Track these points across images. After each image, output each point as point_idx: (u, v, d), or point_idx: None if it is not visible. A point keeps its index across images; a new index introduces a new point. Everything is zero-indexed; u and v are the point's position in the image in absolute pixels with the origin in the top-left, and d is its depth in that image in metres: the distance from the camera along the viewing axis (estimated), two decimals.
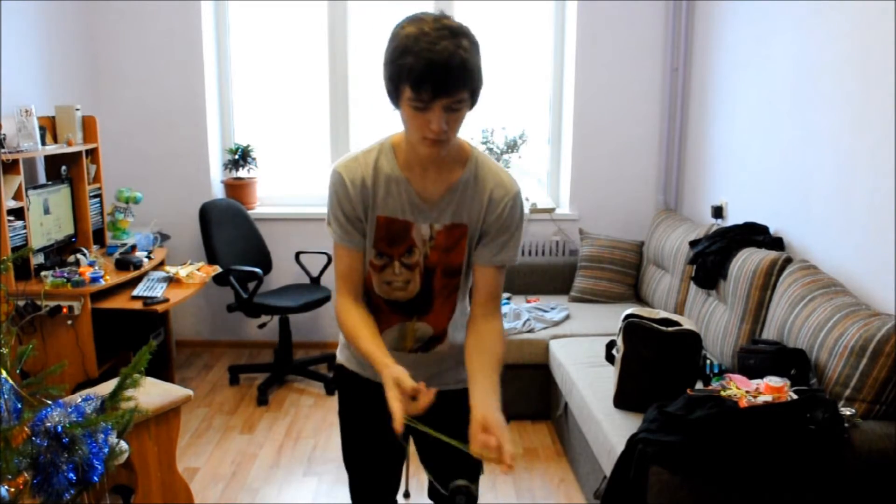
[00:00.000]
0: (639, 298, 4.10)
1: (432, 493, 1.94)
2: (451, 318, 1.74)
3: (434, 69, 1.37)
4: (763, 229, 3.23)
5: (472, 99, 1.47)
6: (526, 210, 4.45)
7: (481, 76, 1.46)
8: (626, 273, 4.11)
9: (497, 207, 1.61)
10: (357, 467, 1.92)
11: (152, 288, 3.59)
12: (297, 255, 4.31)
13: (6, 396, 1.32)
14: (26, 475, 1.25)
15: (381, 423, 1.81)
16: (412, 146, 1.54)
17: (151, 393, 2.59)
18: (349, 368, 1.86)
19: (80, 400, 1.36)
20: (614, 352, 2.78)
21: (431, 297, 1.69)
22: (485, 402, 1.47)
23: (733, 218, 3.63)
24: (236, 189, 4.51)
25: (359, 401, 1.86)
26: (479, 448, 1.43)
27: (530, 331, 3.60)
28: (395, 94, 1.47)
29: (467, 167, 1.60)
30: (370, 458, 1.89)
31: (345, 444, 1.95)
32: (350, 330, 1.62)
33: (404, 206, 1.59)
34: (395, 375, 1.44)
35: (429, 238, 1.62)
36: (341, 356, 1.90)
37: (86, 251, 3.69)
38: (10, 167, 3.24)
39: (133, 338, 3.73)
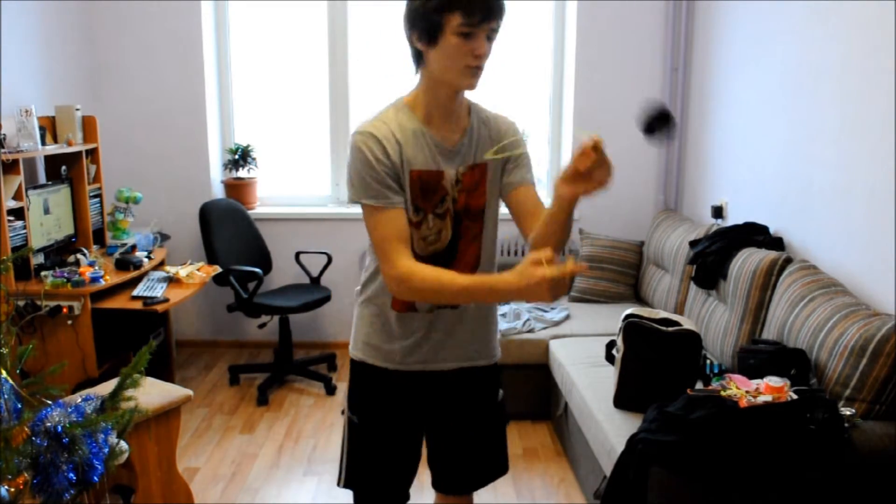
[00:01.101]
0: (639, 298, 4.10)
1: (436, 483, 1.95)
2: (478, 266, 1.76)
3: None
4: (763, 229, 3.23)
5: (500, 29, 1.57)
6: None
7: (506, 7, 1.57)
8: (626, 273, 4.11)
9: (509, 134, 1.73)
10: (374, 473, 1.88)
11: (152, 288, 3.59)
12: (297, 255, 4.31)
13: (6, 396, 1.32)
14: (26, 475, 1.25)
15: (406, 421, 1.84)
16: (443, 88, 1.60)
17: (151, 393, 2.60)
18: (370, 363, 1.81)
19: (80, 400, 1.36)
20: (614, 352, 2.78)
21: (458, 243, 1.73)
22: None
23: (733, 218, 3.63)
24: (236, 189, 4.51)
25: (381, 394, 1.83)
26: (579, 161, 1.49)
27: (530, 331, 3.60)
28: (436, 28, 1.52)
29: (472, 113, 1.72)
30: (390, 463, 1.87)
31: (359, 447, 1.87)
32: (435, 284, 1.55)
33: (433, 156, 1.65)
34: (531, 257, 1.41)
35: (455, 182, 1.68)
36: (360, 352, 1.83)
37: (86, 251, 3.69)
38: (10, 167, 3.24)
39: (133, 338, 3.73)
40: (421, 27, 1.54)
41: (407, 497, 1.94)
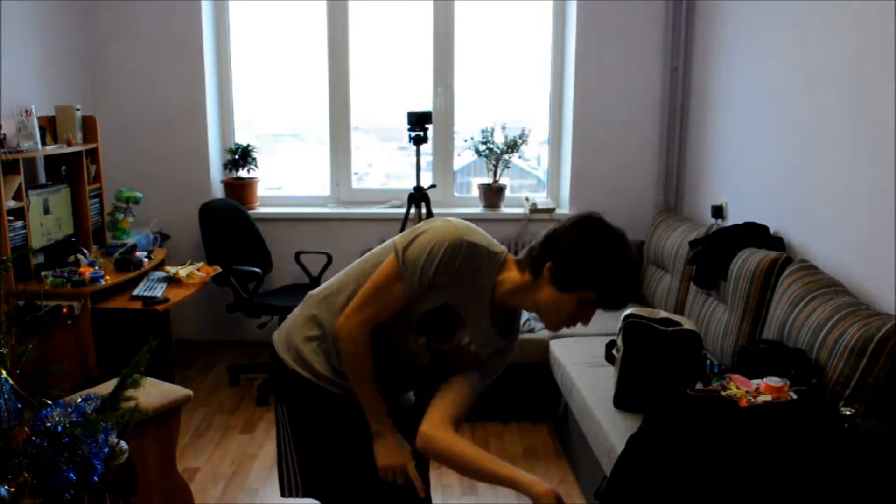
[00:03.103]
0: (639, 298, 4.10)
1: None
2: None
3: (628, 297, 1.57)
4: (763, 229, 3.23)
5: None
6: (526, 210, 4.45)
7: None
8: None
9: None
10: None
11: (152, 288, 3.59)
12: (297, 255, 4.31)
13: (6, 396, 1.32)
14: (26, 475, 1.25)
15: (357, 441, 1.78)
16: (529, 304, 1.66)
17: (151, 393, 2.59)
18: (314, 381, 1.78)
19: (80, 400, 1.36)
20: (614, 352, 2.78)
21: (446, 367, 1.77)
22: (533, 480, 1.55)
23: (733, 218, 3.63)
24: (236, 189, 4.51)
25: (329, 415, 1.80)
26: None
27: (530, 331, 3.60)
28: (574, 283, 1.56)
29: (515, 324, 1.80)
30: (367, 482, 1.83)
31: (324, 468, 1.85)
32: (363, 367, 1.68)
33: (478, 331, 1.71)
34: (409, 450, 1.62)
35: (463, 345, 1.72)
36: (303, 367, 1.77)
37: (86, 251, 3.68)
38: (10, 167, 3.24)
39: (133, 338, 3.73)
40: (568, 266, 1.56)
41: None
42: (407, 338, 1.72)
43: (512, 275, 1.65)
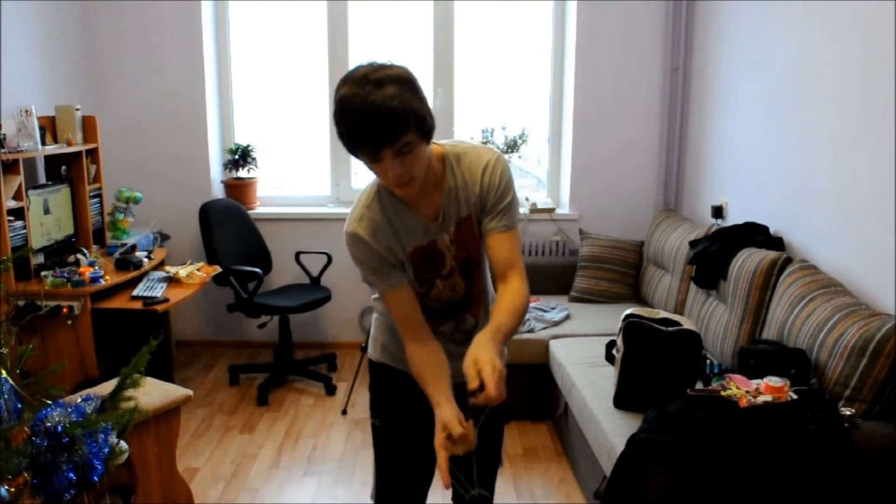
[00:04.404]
0: (639, 298, 4.10)
1: (456, 498, 1.96)
2: (482, 303, 1.83)
3: (367, 126, 1.42)
4: (763, 229, 3.23)
5: (422, 134, 1.50)
6: (526, 210, 4.45)
7: (419, 114, 1.47)
8: (626, 273, 4.11)
9: (483, 179, 1.66)
10: (399, 478, 1.93)
11: (152, 288, 3.59)
12: (297, 255, 4.31)
13: (6, 396, 1.32)
14: (26, 475, 1.25)
15: (421, 419, 1.84)
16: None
17: (151, 393, 2.59)
18: (389, 364, 1.89)
19: (80, 400, 1.36)
20: (614, 352, 2.78)
21: (472, 289, 1.79)
22: (479, 341, 1.50)
23: (733, 218, 3.63)
24: (236, 189, 4.51)
25: (399, 396, 1.88)
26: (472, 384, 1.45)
27: (530, 331, 3.60)
28: (353, 154, 1.53)
29: (447, 171, 1.66)
30: (407, 454, 1.90)
31: (385, 454, 1.94)
32: (417, 374, 1.68)
33: (423, 230, 1.69)
34: (444, 420, 1.50)
35: (450, 243, 1.71)
36: (379, 354, 1.92)
37: (86, 251, 3.69)
38: (10, 167, 3.24)
39: (133, 338, 3.73)
40: (350, 153, 1.56)
41: (424, 499, 1.98)
42: (430, 296, 1.75)
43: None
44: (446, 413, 1.51)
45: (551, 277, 4.29)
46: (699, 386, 2.61)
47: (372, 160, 1.49)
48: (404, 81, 1.47)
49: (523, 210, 4.46)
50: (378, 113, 1.41)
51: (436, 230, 1.69)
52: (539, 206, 4.51)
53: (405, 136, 1.45)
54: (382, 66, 1.47)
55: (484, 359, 1.43)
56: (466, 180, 1.66)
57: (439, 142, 1.68)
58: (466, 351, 1.77)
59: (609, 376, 2.84)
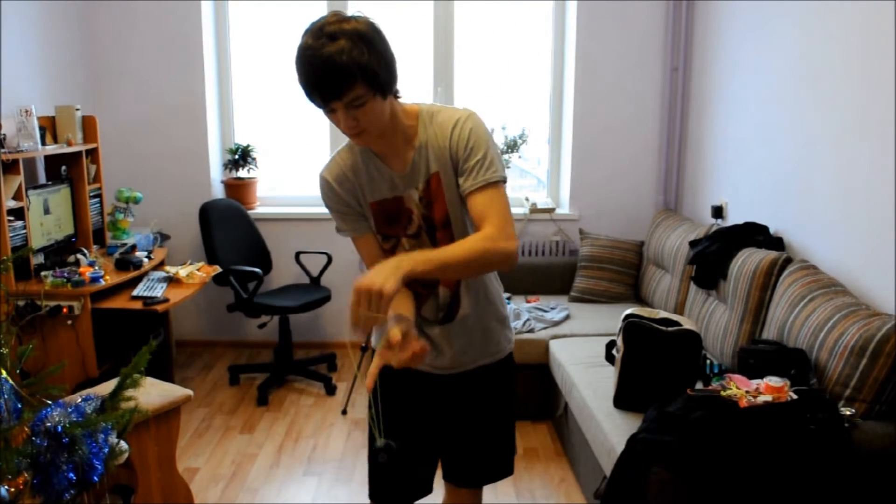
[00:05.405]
0: (639, 298, 4.10)
1: (447, 474, 1.96)
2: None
3: (315, 78, 1.48)
4: (763, 229, 3.23)
5: (375, 88, 1.51)
6: (526, 210, 4.45)
7: (371, 69, 1.48)
8: (626, 273, 4.11)
9: (455, 137, 1.65)
10: (394, 474, 1.92)
11: (152, 288, 3.59)
12: (297, 255, 4.31)
13: (6, 396, 1.32)
14: (26, 475, 1.25)
15: (427, 419, 1.89)
16: None
17: (151, 393, 2.59)
18: None
19: (80, 400, 1.36)
20: (614, 352, 2.78)
21: None
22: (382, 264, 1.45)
23: (733, 218, 3.63)
24: (236, 189, 4.51)
25: (396, 388, 1.87)
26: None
27: (530, 331, 3.60)
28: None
29: (420, 128, 1.67)
30: (411, 462, 1.91)
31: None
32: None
33: (390, 184, 1.70)
34: (390, 326, 1.44)
35: (419, 200, 1.70)
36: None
37: (86, 251, 3.69)
38: (10, 167, 3.24)
39: (133, 338, 3.73)
40: None
41: (430, 489, 1.98)
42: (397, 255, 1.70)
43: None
44: (393, 323, 1.46)
45: (551, 277, 4.29)
46: (699, 386, 2.61)
47: (325, 110, 1.53)
48: (360, 36, 1.49)
49: (523, 210, 4.46)
50: (325, 67, 1.46)
51: (403, 185, 1.69)
52: (539, 206, 4.51)
53: (352, 91, 1.47)
54: (341, 20, 1.50)
55: (365, 279, 1.36)
56: (437, 135, 1.66)
57: (420, 103, 1.71)
58: (451, 334, 1.78)
59: (609, 376, 2.84)
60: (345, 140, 1.72)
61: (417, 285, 1.75)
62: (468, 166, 1.63)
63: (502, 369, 1.95)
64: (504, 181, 1.64)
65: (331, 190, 1.72)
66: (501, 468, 2.01)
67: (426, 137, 1.67)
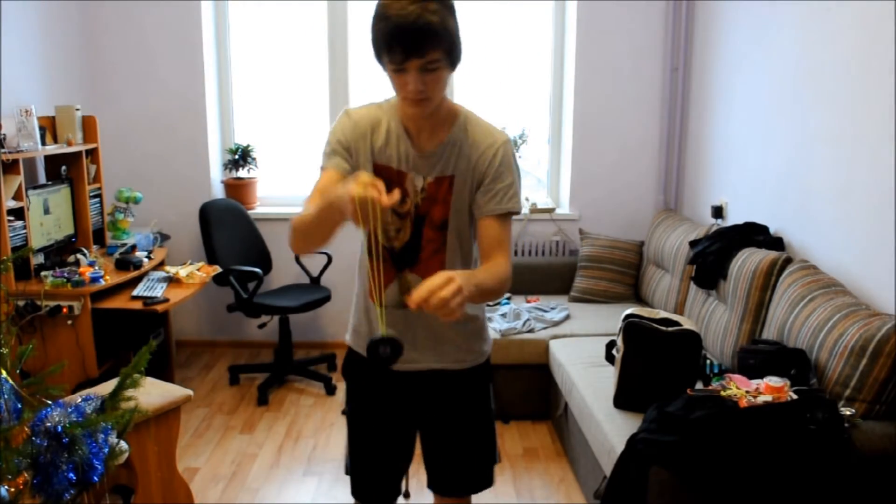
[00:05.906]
0: (639, 298, 4.10)
1: (432, 483, 1.95)
2: (433, 271, 1.74)
3: (402, 32, 1.45)
4: (763, 229, 3.23)
5: (450, 59, 1.54)
6: (526, 210, 4.45)
7: (453, 37, 1.52)
8: (626, 273, 4.11)
9: (487, 157, 1.68)
10: (363, 462, 1.92)
11: (152, 288, 3.59)
12: (297, 254, 4.31)
13: (6, 396, 1.32)
14: (26, 475, 1.25)
15: (392, 414, 1.87)
16: (402, 105, 1.63)
17: (151, 393, 2.59)
18: (356, 350, 1.88)
19: (80, 400, 1.36)
20: (614, 352, 2.78)
21: (419, 248, 1.73)
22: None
23: (733, 218, 3.63)
24: (236, 189, 4.51)
25: (368, 388, 1.87)
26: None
27: (530, 331, 3.60)
28: (379, 59, 1.56)
29: (456, 125, 1.69)
30: (377, 453, 1.90)
31: (351, 436, 1.93)
32: (304, 214, 1.59)
33: (401, 157, 1.69)
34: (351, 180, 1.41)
35: (420, 189, 1.70)
36: (350, 336, 1.91)
37: (86, 251, 3.69)
38: (10, 167, 3.24)
39: (133, 338, 3.73)
40: (376, 58, 1.59)
41: (398, 490, 1.95)
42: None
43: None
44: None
45: (551, 277, 4.29)
46: (699, 386, 2.61)
47: (396, 68, 1.51)
48: (448, 5, 1.52)
49: (524, 210, 4.46)
50: (416, 22, 1.45)
51: (413, 166, 1.68)
52: (539, 206, 4.51)
53: (435, 53, 1.48)
54: None
55: (444, 274, 1.39)
56: (470, 143, 1.68)
57: (459, 104, 1.72)
58: (417, 318, 1.72)
59: (609, 376, 2.84)
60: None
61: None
62: (495, 188, 1.66)
63: (467, 379, 1.86)
64: (518, 214, 1.71)
65: (346, 125, 1.70)
66: (478, 479, 1.93)
67: (457, 139, 1.68)
